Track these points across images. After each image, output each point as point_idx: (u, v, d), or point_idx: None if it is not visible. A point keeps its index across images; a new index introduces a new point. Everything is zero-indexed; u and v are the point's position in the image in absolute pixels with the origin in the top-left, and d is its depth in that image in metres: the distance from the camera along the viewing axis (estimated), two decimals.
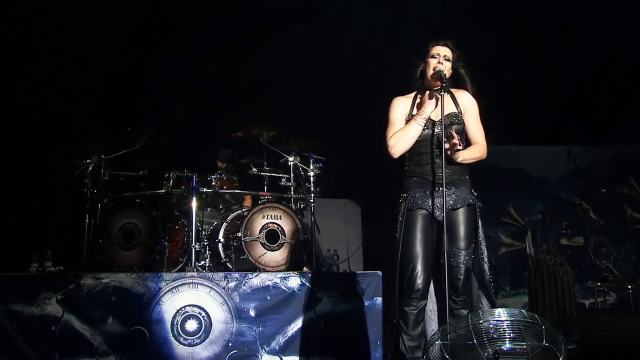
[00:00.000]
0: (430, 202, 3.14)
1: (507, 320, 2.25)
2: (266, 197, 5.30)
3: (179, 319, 4.34)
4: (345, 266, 6.23)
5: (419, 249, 3.09)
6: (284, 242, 4.93)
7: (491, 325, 2.23)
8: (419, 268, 3.05)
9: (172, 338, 4.30)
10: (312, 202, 5.32)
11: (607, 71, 6.70)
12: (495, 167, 7.20)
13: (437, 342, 2.31)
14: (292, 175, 5.39)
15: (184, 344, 4.31)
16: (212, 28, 6.04)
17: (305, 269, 4.87)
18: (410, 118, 3.26)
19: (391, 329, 3.19)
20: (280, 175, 5.51)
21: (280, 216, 4.99)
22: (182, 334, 4.32)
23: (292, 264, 4.92)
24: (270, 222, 4.95)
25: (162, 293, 4.36)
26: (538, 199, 6.98)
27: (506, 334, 2.21)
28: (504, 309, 2.32)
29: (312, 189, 5.34)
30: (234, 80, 6.18)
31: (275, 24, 5.93)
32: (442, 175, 2.98)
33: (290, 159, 5.38)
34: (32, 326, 4.24)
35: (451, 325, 2.46)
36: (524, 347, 2.17)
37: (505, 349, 2.17)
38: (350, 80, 6.26)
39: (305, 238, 5.11)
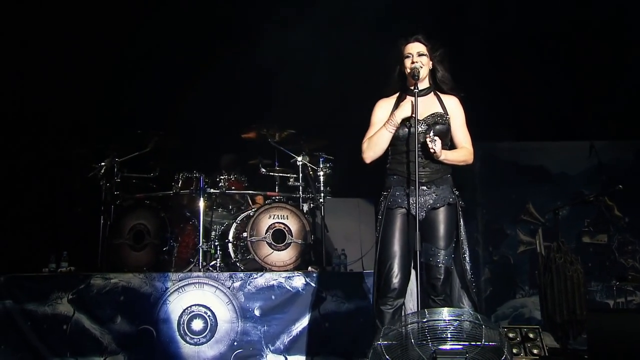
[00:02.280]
0: (409, 200, 3.11)
1: (449, 320, 2.23)
2: (274, 197, 5.32)
3: (185, 318, 4.41)
4: (359, 266, 6.18)
5: (396, 247, 3.07)
6: (290, 242, 4.94)
7: (437, 326, 2.21)
8: (396, 267, 3.04)
9: (179, 337, 4.39)
10: (322, 202, 5.31)
11: (629, 62, 6.47)
12: (514, 164, 7.04)
13: (375, 343, 2.30)
14: (300, 175, 5.41)
15: (190, 343, 4.38)
16: (216, 28, 6.10)
17: (310, 268, 4.88)
18: None
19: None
20: (289, 175, 5.52)
21: (287, 216, 5.01)
22: (188, 333, 4.40)
23: (300, 264, 4.93)
24: (277, 222, 4.97)
25: (169, 293, 4.45)
26: (558, 196, 6.74)
27: (447, 334, 2.19)
28: (449, 308, 2.30)
29: (321, 189, 5.34)
30: (242, 81, 6.22)
31: (281, 23, 5.95)
32: (416, 174, 2.95)
33: (299, 158, 5.39)
34: (44, 325, 4.41)
35: (392, 325, 2.45)
36: (462, 347, 2.15)
37: (445, 348, 2.15)
38: (357, 79, 6.21)
39: (314, 238, 5.11)
